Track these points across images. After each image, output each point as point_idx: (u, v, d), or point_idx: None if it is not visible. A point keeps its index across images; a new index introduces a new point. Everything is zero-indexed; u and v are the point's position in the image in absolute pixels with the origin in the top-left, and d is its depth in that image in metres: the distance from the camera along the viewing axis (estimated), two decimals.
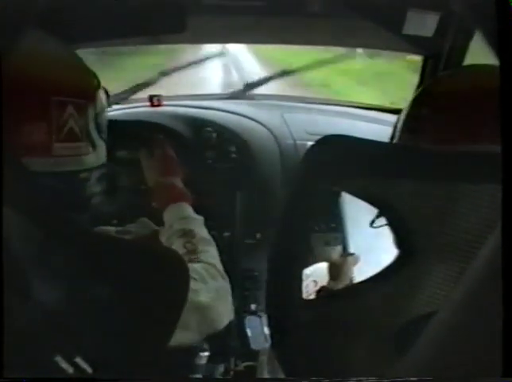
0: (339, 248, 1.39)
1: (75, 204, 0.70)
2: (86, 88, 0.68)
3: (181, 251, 0.75)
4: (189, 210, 0.85)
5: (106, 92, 0.75)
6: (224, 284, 0.76)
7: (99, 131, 0.72)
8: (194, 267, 0.72)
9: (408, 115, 0.78)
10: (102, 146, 0.73)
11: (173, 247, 0.76)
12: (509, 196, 0.42)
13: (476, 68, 0.75)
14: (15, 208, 0.55)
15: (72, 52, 0.72)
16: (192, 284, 0.68)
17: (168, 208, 0.83)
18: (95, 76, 0.72)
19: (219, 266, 0.77)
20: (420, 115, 0.76)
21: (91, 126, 0.69)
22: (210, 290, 0.72)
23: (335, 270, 1.02)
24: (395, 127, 0.82)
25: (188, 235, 0.78)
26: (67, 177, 0.67)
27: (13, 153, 0.60)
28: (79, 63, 0.70)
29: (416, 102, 0.78)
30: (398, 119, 0.81)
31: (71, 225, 0.64)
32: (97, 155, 0.71)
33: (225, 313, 0.73)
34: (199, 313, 0.68)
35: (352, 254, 1.05)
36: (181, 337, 0.65)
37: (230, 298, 0.76)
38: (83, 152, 0.68)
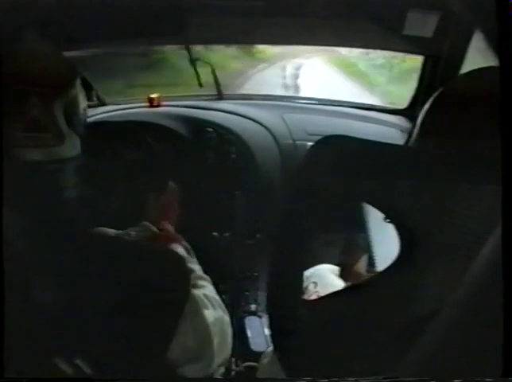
0: (340, 250, 1.39)
1: (46, 195, 0.67)
2: (54, 78, 0.66)
3: None
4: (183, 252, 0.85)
5: (91, 87, 0.73)
6: (224, 316, 0.77)
7: (69, 123, 0.69)
8: (196, 293, 0.72)
9: (427, 118, 0.75)
10: (73, 138, 0.70)
11: None
12: (509, 196, 0.42)
13: (485, 71, 0.73)
14: None
15: (47, 42, 0.69)
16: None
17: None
18: (72, 68, 0.70)
19: (218, 299, 0.79)
20: (440, 118, 0.73)
21: (59, 117, 0.67)
22: (208, 317, 0.73)
23: (348, 272, 1.01)
24: (411, 131, 0.78)
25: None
26: (36, 167, 0.65)
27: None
28: (52, 53, 0.68)
29: (436, 104, 0.75)
30: (416, 123, 0.77)
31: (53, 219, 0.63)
32: (67, 147, 0.69)
33: (222, 346, 0.74)
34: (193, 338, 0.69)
35: (364, 255, 1.04)
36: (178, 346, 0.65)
37: (228, 330, 0.77)
38: (51, 143, 0.66)
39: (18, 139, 0.63)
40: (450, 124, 0.72)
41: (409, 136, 0.80)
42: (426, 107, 0.77)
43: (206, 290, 0.79)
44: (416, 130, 0.77)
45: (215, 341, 0.73)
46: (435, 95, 0.80)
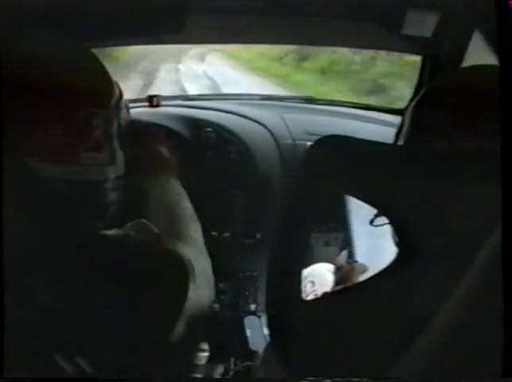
0: (339, 249, 1.39)
1: (92, 213, 0.70)
2: (111, 99, 0.68)
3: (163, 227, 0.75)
4: (172, 185, 0.84)
5: (126, 102, 0.74)
6: (202, 255, 0.77)
7: (120, 142, 0.71)
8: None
9: (413, 115, 0.77)
10: (121, 157, 0.72)
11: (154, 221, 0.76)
12: (509, 196, 0.42)
13: (479, 69, 0.75)
14: (28, 211, 0.56)
15: (99, 61, 0.70)
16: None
17: (151, 183, 0.82)
18: (117, 84, 0.71)
19: (199, 239, 0.78)
20: (425, 114, 0.75)
21: (114, 137, 0.69)
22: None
23: (342, 277, 1.01)
24: (400, 128, 0.81)
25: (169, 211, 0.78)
26: (89, 186, 0.67)
27: (39, 159, 0.61)
28: (104, 71, 0.69)
29: (421, 101, 0.78)
30: (403, 121, 0.80)
31: (79, 230, 0.64)
32: (117, 166, 0.71)
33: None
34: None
35: (362, 264, 1.04)
36: None
37: (209, 268, 0.77)
38: (106, 162, 0.68)
39: (81, 159, 0.64)
40: (436, 121, 0.74)
41: (398, 132, 0.81)
42: (413, 103, 0.78)
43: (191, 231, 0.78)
44: (404, 127, 0.79)
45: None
46: (421, 92, 0.81)
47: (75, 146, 0.64)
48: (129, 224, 0.81)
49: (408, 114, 0.79)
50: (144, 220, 0.83)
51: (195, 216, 0.82)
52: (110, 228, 0.72)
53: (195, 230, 0.80)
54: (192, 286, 0.69)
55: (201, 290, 0.72)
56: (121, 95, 0.71)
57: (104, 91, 0.67)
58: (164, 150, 0.88)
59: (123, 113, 0.72)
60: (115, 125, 0.69)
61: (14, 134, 0.59)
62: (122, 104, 0.72)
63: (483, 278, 0.40)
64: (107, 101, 0.67)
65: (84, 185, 0.66)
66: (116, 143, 0.70)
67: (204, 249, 0.78)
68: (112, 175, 0.69)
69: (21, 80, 0.59)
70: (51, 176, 0.62)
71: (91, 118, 0.64)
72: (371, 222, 0.78)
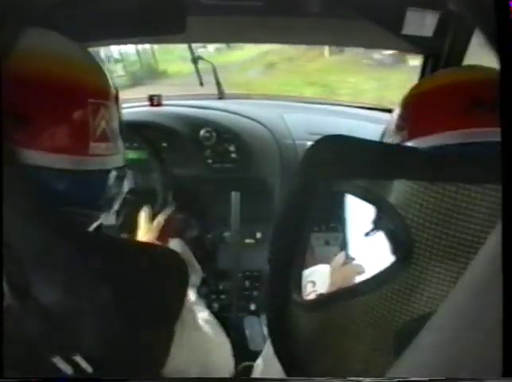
0: (339, 249, 1.39)
1: (100, 202, 0.72)
2: (110, 91, 0.71)
3: None
4: None
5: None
6: (225, 340, 0.81)
7: (121, 132, 0.74)
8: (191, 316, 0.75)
9: (398, 115, 0.84)
10: (123, 147, 0.75)
11: None
12: (509, 196, 0.42)
13: (457, 69, 0.80)
14: (28, 203, 0.57)
15: (93, 57, 0.73)
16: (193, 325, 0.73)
17: None
18: (110, 78, 0.74)
19: (218, 324, 0.83)
20: (404, 114, 0.82)
21: (117, 128, 0.72)
22: (212, 337, 0.77)
23: (339, 277, 1.01)
24: (386, 127, 0.87)
25: None
26: (96, 176, 0.69)
27: (45, 150, 0.62)
28: (100, 66, 0.72)
29: (403, 101, 0.85)
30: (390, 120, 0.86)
31: (85, 224, 0.66)
32: (121, 155, 0.74)
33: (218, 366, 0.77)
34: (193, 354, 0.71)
35: (359, 265, 1.04)
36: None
37: (229, 356, 0.81)
38: (113, 152, 0.71)
39: (90, 149, 0.66)
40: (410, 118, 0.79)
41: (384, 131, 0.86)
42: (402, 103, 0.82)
43: (203, 314, 0.82)
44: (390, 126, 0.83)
45: (215, 359, 0.76)
46: (411, 91, 0.84)
47: (84, 137, 0.65)
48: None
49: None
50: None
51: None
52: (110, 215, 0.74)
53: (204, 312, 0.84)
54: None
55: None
56: (116, 89, 0.74)
57: (106, 85, 0.70)
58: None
59: (119, 105, 0.74)
60: (117, 116, 0.72)
61: (18, 126, 0.60)
62: (118, 97, 0.74)
63: (483, 278, 0.39)
64: (109, 94, 0.70)
65: (92, 175, 0.68)
66: (118, 133, 0.73)
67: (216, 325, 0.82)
68: (116, 164, 0.72)
69: (26, 76, 0.61)
70: (59, 166, 0.63)
71: (98, 109, 0.67)
72: (372, 222, 0.78)
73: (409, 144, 0.79)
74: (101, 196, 0.72)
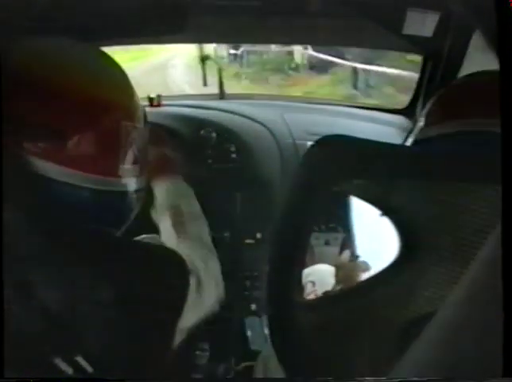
0: (339, 249, 1.39)
1: (114, 221, 0.72)
2: (141, 113, 0.71)
3: (171, 226, 0.77)
4: (177, 185, 0.85)
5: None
6: (210, 255, 0.78)
7: (147, 153, 0.74)
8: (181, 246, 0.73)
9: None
10: (147, 168, 0.75)
11: (163, 222, 0.78)
12: (509, 196, 0.42)
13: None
14: (44, 215, 0.58)
15: (129, 78, 0.73)
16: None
17: (158, 184, 0.84)
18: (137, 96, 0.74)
19: (207, 239, 0.80)
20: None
21: (145, 149, 0.72)
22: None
23: (343, 275, 1.01)
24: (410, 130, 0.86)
25: (176, 211, 0.80)
26: (119, 196, 0.69)
27: (77, 169, 0.62)
28: (133, 88, 0.71)
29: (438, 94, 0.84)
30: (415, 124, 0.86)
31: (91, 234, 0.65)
32: (145, 177, 0.74)
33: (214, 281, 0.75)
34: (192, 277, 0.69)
35: (365, 263, 1.04)
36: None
37: (217, 268, 0.78)
38: (139, 174, 0.71)
39: (119, 170, 0.67)
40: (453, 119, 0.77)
41: (409, 133, 0.84)
42: (433, 101, 0.82)
43: (195, 230, 0.79)
44: (418, 126, 0.82)
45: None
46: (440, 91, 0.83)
47: (114, 159, 0.66)
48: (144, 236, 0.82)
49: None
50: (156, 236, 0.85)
51: (202, 216, 0.84)
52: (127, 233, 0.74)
53: (203, 230, 0.81)
54: (200, 287, 0.70)
55: (210, 291, 0.73)
56: (144, 111, 0.73)
57: (138, 108, 0.70)
58: (165, 151, 0.89)
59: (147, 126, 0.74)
60: (145, 138, 0.72)
61: (49, 139, 0.60)
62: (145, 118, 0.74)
63: (483, 278, 0.39)
64: (140, 117, 0.70)
65: (116, 195, 0.68)
66: (145, 155, 0.73)
67: (213, 250, 0.79)
68: (140, 185, 0.73)
69: (63, 90, 0.61)
70: (87, 185, 0.64)
71: (130, 132, 0.67)
72: (372, 222, 0.78)
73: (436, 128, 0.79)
74: (120, 215, 0.72)
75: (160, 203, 0.81)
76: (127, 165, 0.68)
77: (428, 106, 0.86)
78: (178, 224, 0.78)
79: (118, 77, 0.69)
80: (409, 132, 0.88)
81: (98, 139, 0.64)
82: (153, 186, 0.83)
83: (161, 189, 0.83)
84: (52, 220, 0.60)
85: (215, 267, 0.77)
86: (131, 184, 0.70)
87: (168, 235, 0.78)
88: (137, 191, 0.72)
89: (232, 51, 5.40)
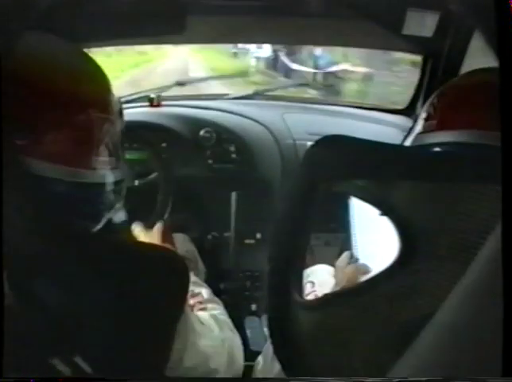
0: (339, 249, 1.39)
1: (92, 215, 0.71)
2: (115, 105, 0.71)
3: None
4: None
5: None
6: (232, 336, 0.80)
7: (122, 146, 0.74)
8: (202, 315, 0.76)
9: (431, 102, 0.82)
10: (122, 161, 0.75)
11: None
12: (509, 196, 0.42)
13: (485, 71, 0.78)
14: (32, 211, 0.57)
15: (103, 70, 0.72)
16: (198, 327, 0.72)
17: None
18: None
19: (229, 321, 0.83)
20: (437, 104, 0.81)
21: (119, 141, 0.72)
22: (214, 339, 0.76)
23: (344, 278, 1.01)
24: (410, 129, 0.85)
25: (197, 296, 0.85)
26: (95, 189, 0.69)
27: (48, 161, 0.62)
28: (108, 80, 0.71)
29: (439, 91, 0.83)
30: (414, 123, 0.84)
31: (80, 231, 0.66)
32: (121, 169, 0.74)
33: (225, 365, 0.77)
34: (198, 358, 0.71)
35: (365, 265, 1.04)
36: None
37: (238, 352, 0.82)
38: (114, 166, 0.71)
39: (92, 162, 0.67)
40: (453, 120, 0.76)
41: (408, 134, 0.84)
42: (431, 100, 0.81)
43: (215, 311, 0.82)
44: (417, 125, 0.81)
45: (221, 360, 0.76)
46: (440, 89, 0.82)
47: (87, 150, 0.66)
48: None
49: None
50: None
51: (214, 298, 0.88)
52: (109, 229, 0.73)
53: (221, 311, 0.86)
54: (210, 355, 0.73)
55: (220, 360, 0.77)
56: (119, 100, 0.73)
57: (112, 100, 0.70)
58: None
59: (122, 119, 0.74)
60: (119, 130, 0.72)
61: (21, 132, 0.60)
62: (121, 111, 0.74)
63: (483, 278, 0.39)
64: (114, 109, 0.70)
65: (91, 187, 0.68)
66: (119, 147, 0.72)
67: (230, 325, 0.84)
68: (115, 178, 0.72)
69: (34, 82, 0.61)
70: (59, 177, 0.63)
71: (103, 124, 0.67)
72: (372, 222, 0.78)
73: (434, 135, 0.78)
74: (98, 208, 0.71)
75: None
76: (101, 158, 0.67)
77: (424, 108, 0.85)
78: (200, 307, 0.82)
79: (90, 70, 0.69)
80: (408, 133, 0.87)
81: (67, 130, 0.63)
82: None
83: None
84: (29, 215, 0.59)
85: (233, 347, 0.81)
86: (107, 176, 0.69)
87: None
88: (114, 183, 0.71)
89: None
